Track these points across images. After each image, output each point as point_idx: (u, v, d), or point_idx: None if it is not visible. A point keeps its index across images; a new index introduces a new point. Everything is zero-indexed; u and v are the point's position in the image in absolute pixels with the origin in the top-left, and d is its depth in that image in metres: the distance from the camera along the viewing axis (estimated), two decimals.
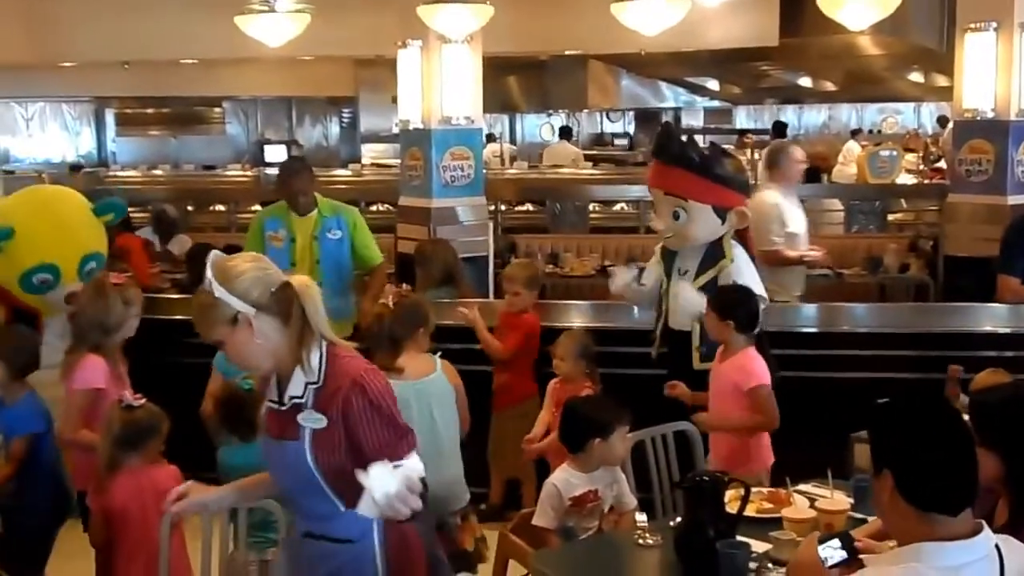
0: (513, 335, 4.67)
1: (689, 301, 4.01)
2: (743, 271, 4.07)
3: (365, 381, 2.29)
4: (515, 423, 4.51)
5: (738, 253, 4.12)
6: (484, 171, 6.98)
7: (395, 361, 3.56)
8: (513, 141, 15.55)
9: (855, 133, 13.34)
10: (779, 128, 12.06)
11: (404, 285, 4.05)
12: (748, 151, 12.49)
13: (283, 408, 2.32)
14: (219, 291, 2.26)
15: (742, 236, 4.26)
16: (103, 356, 3.64)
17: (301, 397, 2.29)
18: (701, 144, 4.27)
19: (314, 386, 2.29)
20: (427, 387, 3.65)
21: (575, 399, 3.55)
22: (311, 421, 2.28)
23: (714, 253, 4.10)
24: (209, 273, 2.27)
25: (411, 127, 6.61)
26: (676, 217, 4.08)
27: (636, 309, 4.67)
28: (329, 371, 2.29)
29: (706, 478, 2.78)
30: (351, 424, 2.26)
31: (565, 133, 13.55)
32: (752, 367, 3.67)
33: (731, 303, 3.75)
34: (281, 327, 2.28)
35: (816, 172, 10.06)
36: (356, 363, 2.34)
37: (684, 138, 4.16)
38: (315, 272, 4.96)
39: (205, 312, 2.28)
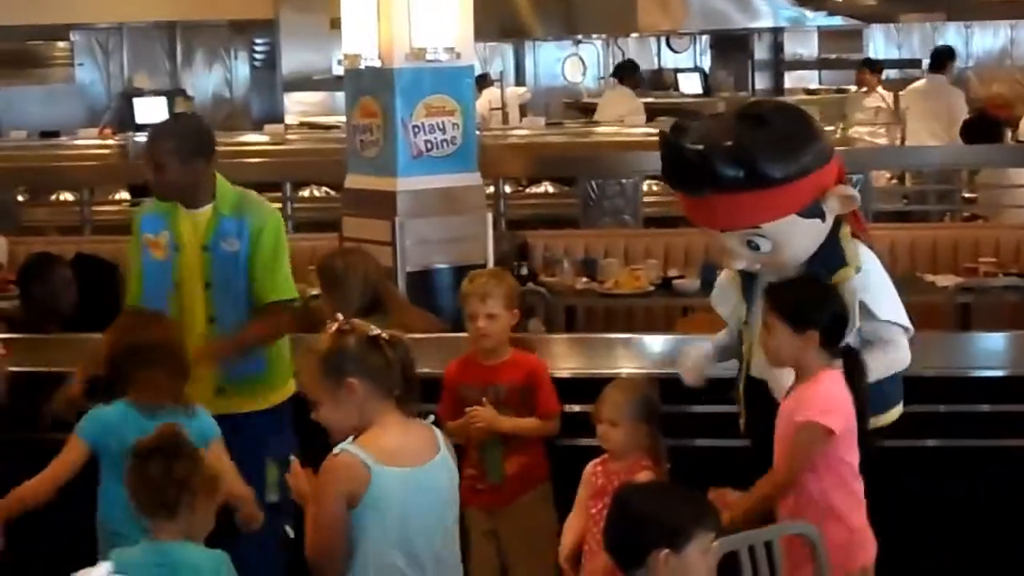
0: (545, 387, 4.61)
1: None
2: (877, 288, 4.03)
3: None
4: (520, 521, 4.54)
5: (868, 259, 4.08)
6: (478, 133, 6.98)
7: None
8: (522, 84, 15.59)
9: None
10: (941, 57, 12.00)
11: (339, 315, 3.91)
12: (879, 92, 12.39)
13: None
14: None
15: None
16: None
17: None
18: (721, 122, 4.09)
19: None
20: (431, 476, 3.57)
21: (630, 488, 3.53)
22: None
23: (825, 260, 4.05)
24: None
25: (362, 65, 6.62)
26: (754, 247, 4.06)
27: None
28: None
29: None
30: None
31: (626, 73, 13.00)
32: (819, 394, 3.72)
33: (810, 303, 3.81)
34: None
35: (995, 126, 10.05)
36: None
37: (693, 142, 3.92)
38: (204, 302, 4.76)
39: None
